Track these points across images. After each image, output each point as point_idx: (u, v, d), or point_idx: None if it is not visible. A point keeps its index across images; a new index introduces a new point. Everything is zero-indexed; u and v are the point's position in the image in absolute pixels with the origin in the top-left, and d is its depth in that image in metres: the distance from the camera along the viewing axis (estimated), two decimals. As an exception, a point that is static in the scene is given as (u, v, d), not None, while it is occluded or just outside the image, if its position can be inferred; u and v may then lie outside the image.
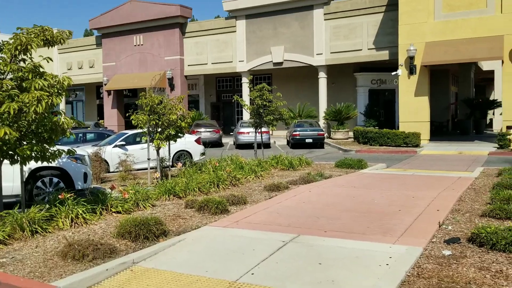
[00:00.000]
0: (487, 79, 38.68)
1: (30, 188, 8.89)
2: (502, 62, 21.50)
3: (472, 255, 5.23)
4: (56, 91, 6.75)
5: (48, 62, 7.25)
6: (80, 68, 36.79)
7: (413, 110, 23.06)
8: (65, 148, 7.88)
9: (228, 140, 28.03)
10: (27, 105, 6.32)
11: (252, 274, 4.81)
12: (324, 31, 27.76)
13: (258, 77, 32.33)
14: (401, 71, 23.38)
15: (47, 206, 7.22)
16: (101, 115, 38.01)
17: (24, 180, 7.90)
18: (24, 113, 6.49)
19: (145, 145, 13.05)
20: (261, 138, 16.85)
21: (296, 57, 28.66)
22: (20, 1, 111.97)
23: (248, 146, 23.07)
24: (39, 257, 5.57)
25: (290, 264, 5.07)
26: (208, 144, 20.35)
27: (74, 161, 9.47)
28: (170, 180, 10.24)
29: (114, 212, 7.87)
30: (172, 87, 31.85)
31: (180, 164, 12.09)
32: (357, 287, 4.40)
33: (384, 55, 25.99)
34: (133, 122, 11.24)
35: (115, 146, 15.03)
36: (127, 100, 36.83)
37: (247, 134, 23.49)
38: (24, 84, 6.59)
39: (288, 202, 8.60)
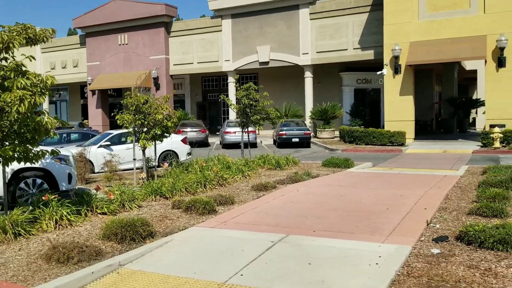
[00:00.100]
0: (470, 78, 39.15)
1: (12, 189, 8.69)
2: (485, 61, 21.76)
3: (461, 253, 5.25)
4: (39, 90, 6.60)
5: (30, 60, 7.09)
6: (63, 68, 36.30)
7: (398, 109, 23.23)
8: (49, 148, 7.73)
9: (214, 140, 27.93)
10: (9, 104, 6.17)
11: (241, 275, 4.75)
12: (310, 30, 27.82)
13: (244, 76, 32.27)
14: (386, 71, 23.54)
15: (31, 208, 7.06)
16: (85, 115, 37.56)
17: (7, 181, 7.72)
18: (6, 112, 6.33)
19: (131, 145, 12.90)
20: (248, 138, 16.79)
21: (282, 57, 28.66)
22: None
23: (234, 145, 23.00)
24: (23, 260, 5.44)
25: (279, 265, 5.02)
26: (195, 144, 20.23)
27: (58, 161, 9.30)
28: (156, 181, 10.13)
29: (99, 213, 7.74)
30: (157, 86, 31.60)
31: (166, 164, 11.98)
32: (347, 287, 4.37)
33: (369, 54, 26.13)
34: (118, 122, 11.09)
35: (100, 146, 14.84)
36: (112, 100, 36.45)
37: (234, 133, 23.42)
38: (6, 83, 6.43)
39: (276, 201, 8.56)
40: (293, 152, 19.45)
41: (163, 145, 14.17)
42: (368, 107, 30.90)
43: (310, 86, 28.62)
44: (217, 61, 30.69)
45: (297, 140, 23.41)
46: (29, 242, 6.16)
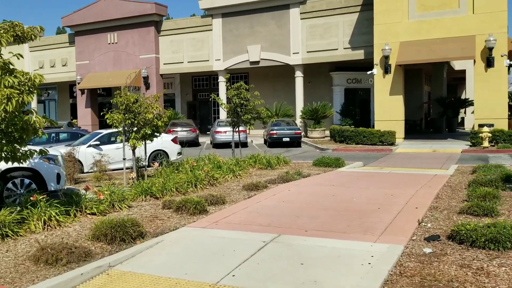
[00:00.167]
0: (459, 78, 39.50)
1: (0, 189, 8.56)
2: (474, 61, 21.93)
3: (453, 252, 5.25)
4: (27, 89, 6.49)
5: (18, 59, 6.97)
6: (52, 67, 35.94)
7: (388, 109, 23.32)
8: (37, 148, 7.62)
9: (204, 140, 27.83)
10: (-4, 103, 6.06)
11: (233, 276, 4.70)
12: (301, 30, 27.84)
13: (235, 76, 32.19)
14: (376, 71, 23.62)
15: (18, 208, 6.94)
16: (74, 114, 37.23)
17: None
18: (-7, 111, 6.21)
19: (120, 145, 12.78)
20: (239, 137, 16.74)
21: (273, 56, 28.65)
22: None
23: (225, 145, 22.93)
24: (10, 262, 5.34)
25: (271, 265, 4.99)
26: (185, 143, 20.15)
27: (47, 161, 9.18)
28: (146, 180, 10.05)
29: (89, 213, 7.65)
30: (147, 86, 31.41)
31: (156, 164, 11.89)
32: (340, 287, 4.34)
33: (359, 54, 26.21)
34: (107, 121, 10.98)
35: (89, 146, 14.70)
36: (101, 99, 36.16)
37: (224, 133, 23.36)
38: (-7, 82, 6.31)
39: (267, 201, 8.52)
40: (284, 151, 19.44)
41: (153, 145, 14.07)
42: (358, 106, 31.00)
43: (301, 86, 28.64)
44: (208, 60, 30.59)
45: (287, 139, 23.40)
46: (17, 243, 6.05)
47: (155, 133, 11.32)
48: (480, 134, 19.99)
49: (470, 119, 34.35)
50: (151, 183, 9.65)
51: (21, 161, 6.89)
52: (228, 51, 29.85)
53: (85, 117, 34.16)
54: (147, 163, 12.57)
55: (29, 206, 6.97)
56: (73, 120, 35.54)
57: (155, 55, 31.63)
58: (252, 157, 14.68)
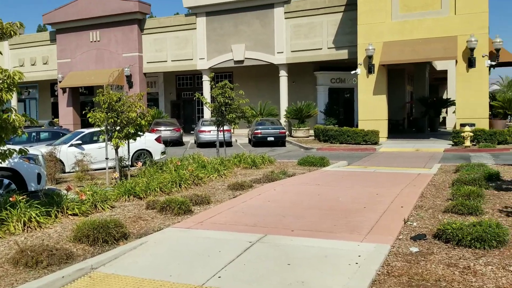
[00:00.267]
0: (441, 78, 39.97)
1: (-22, 190, 8.33)
2: (456, 62, 22.18)
3: (439, 251, 5.25)
4: (6, 86, 6.31)
5: (-3, 55, 6.78)
6: (33, 65, 35.31)
7: (372, 109, 23.45)
8: (17, 147, 7.42)
9: (188, 139, 27.64)
10: (-26, 101, 5.87)
11: (219, 277, 4.62)
12: (285, 29, 27.84)
13: (219, 75, 32.01)
14: (360, 70, 23.73)
15: (-3, 209, 6.75)
16: (55, 113, 36.65)
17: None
18: (-30, 110, 6.02)
19: (103, 144, 12.58)
20: (224, 137, 16.64)
21: (257, 55, 28.59)
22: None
23: (209, 144, 22.80)
24: (-12, 265, 5.17)
25: (258, 266, 4.92)
26: (169, 143, 19.98)
27: (27, 161, 8.97)
28: (129, 180, 9.89)
29: (70, 214, 7.48)
30: (130, 84, 31.07)
31: (140, 164, 11.72)
32: (328, 288, 4.30)
33: (343, 54, 26.31)
34: (90, 120, 10.79)
35: (71, 145, 14.46)
36: (83, 98, 35.66)
37: (209, 132, 23.22)
38: (-30, 79, 6.12)
39: (253, 201, 8.45)
40: (269, 151, 19.40)
41: (136, 144, 13.90)
42: (342, 106, 31.13)
43: (285, 85, 28.64)
44: (192, 59, 30.40)
45: (272, 139, 23.38)
46: (-5, 245, 5.87)
47: (139, 132, 11.16)
48: (462, 134, 20.22)
49: (451, 118, 34.79)
50: (135, 183, 9.51)
51: (0, 160, 6.70)
52: (212, 50, 29.70)
53: (66, 116, 33.64)
54: (130, 163, 12.40)
55: (8, 207, 6.78)
56: (55, 119, 34.99)
57: (138, 53, 31.31)
58: (237, 156, 14.60)
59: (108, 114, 10.54)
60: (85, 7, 31.76)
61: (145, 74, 32.05)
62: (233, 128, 16.02)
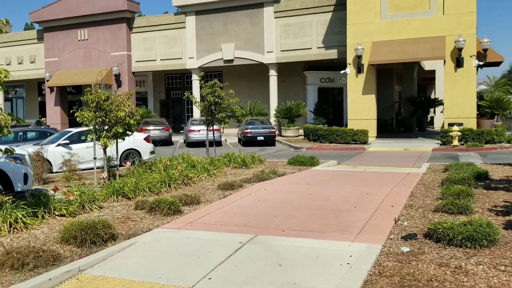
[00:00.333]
0: (429, 78, 40.24)
1: (-38, 191, 8.16)
2: (444, 62, 22.33)
3: (430, 251, 5.24)
4: (-9, 85, 6.18)
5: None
6: (20, 63, 34.85)
7: (361, 108, 23.52)
8: (3, 147, 7.28)
9: (178, 139, 27.49)
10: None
11: (210, 279, 4.56)
12: (275, 29, 27.81)
13: (209, 74, 31.89)
14: (349, 70, 23.78)
15: (-18, 210, 6.61)
16: (43, 113, 36.23)
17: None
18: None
19: (91, 144, 12.43)
20: (213, 136, 16.55)
21: (247, 55, 28.52)
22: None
23: (199, 144, 22.69)
24: (-28, 267, 5.05)
25: (249, 267, 4.86)
26: (158, 142, 19.85)
27: (13, 161, 8.81)
28: (118, 180, 9.78)
29: (57, 215, 7.36)
30: (119, 83, 30.81)
31: (128, 163, 11.60)
32: (319, 289, 4.26)
33: (332, 54, 26.35)
34: (77, 119, 10.64)
35: (59, 145, 14.29)
36: (71, 97, 35.29)
37: (198, 132, 23.12)
38: (-47, 77, 5.98)
39: (243, 201, 8.40)
40: (258, 150, 19.36)
41: (125, 144, 13.76)
42: (332, 105, 31.20)
43: (275, 85, 28.62)
44: (181, 58, 30.24)
45: (262, 138, 23.33)
46: (-20, 247, 5.74)
47: (127, 132, 11.03)
48: (450, 133, 20.36)
49: (439, 118, 35.05)
50: (123, 183, 9.40)
51: (-15, 160, 6.57)
52: (201, 49, 29.57)
53: (54, 115, 33.27)
54: (118, 163, 12.28)
55: (-7, 208, 6.65)
56: (42, 119, 34.60)
57: (127, 52, 31.06)
58: (226, 156, 14.53)
59: (96, 113, 10.41)
60: (73, 5, 31.42)
61: (134, 73, 31.81)
62: (223, 128, 15.93)
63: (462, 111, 21.72)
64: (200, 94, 15.92)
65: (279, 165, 14.33)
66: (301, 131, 26.74)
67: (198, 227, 6.55)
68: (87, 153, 13.71)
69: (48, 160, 13.32)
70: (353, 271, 4.58)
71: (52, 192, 8.06)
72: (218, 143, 22.18)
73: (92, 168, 11.68)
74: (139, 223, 6.98)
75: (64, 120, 33.21)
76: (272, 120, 27.97)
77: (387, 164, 14.64)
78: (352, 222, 6.57)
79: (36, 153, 12.08)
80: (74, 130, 15.27)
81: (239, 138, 25.43)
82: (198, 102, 15.73)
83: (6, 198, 6.79)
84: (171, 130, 26.09)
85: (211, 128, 15.70)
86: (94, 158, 11.11)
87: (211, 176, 11.84)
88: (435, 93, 38.15)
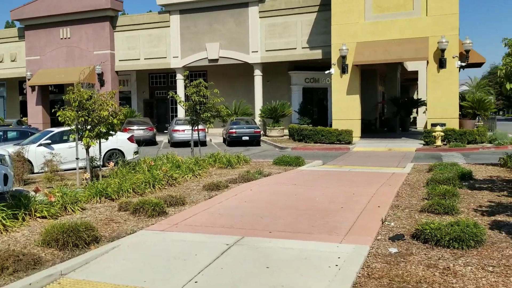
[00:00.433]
0: (411, 79, 40.64)
1: None
2: (427, 62, 22.53)
3: (418, 252, 5.22)
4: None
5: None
6: (0, 62, 34.19)
7: (345, 108, 23.60)
8: (-19, 147, 7.07)
9: (162, 138, 27.25)
10: None
11: (196, 282, 4.46)
12: (260, 29, 27.75)
13: (193, 73, 31.71)
14: (334, 70, 23.84)
15: (-41, 213, 6.41)
16: (24, 112, 35.61)
17: None
18: None
19: (73, 144, 12.21)
20: (198, 136, 16.42)
21: (232, 54, 28.40)
22: None
23: (183, 144, 22.52)
24: (-51, 272, 4.86)
25: (236, 269, 4.78)
26: (142, 142, 19.63)
27: (-8, 161, 8.58)
28: (101, 181, 9.60)
29: (39, 217, 7.18)
30: (102, 82, 30.42)
31: (112, 164, 11.42)
32: (308, 291, 4.19)
33: (317, 54, 26.40)
34: (60, 118, 10.42)
35: (40, 145, 14.01)
36: (53, 97, 34.75)
37: (183, 132, 22.94)
38: None
39: (229, 201, 8.31)
40: (244, 150, 19.27)
41: (108, 144, 13.56)
42: (316, 106, 31.27)
43: (260, 85, 28.56)
44: (165, 57, 29.99)
45: (247, 138, 23.25)
46: (-43, 251, 5.55)
47: (110, 132, 10.86)
48: (433, 133, 20.55)
49: (422, 118, 35.39)
50: (106, 183, 9.23)
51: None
52: (186, 48, 29.36)
53: (35, 115, 32.71)
54: (101, 163, 12.08)
55: (-29, 210, 6.45)
56: (23, 118, 33.99)
57: (110, 51, 30.68)
58: (211, 156, 14.42)
59: (79, 112, 10.21)
60: (55, 3, 30.93)
61: (117, 72, 31.44)
62: (208, 128, 15.81)
63: (444, 112, 21.94)
64: (185, 93, 15.78)
65: (264, 165, 14.27)
66: (286, 131, 26.74)
67: (183, 228, 6.44)
68: (69, 153, 13.47)
69: (29, 161, 13.05)
70: (342, 273, 4.53)
71: (33, 193, 7.86)
72: (203, 143, 22.04)
73: (75, 169, 11.47)
74: (123, 225, 6.85)
75: (46, 119, 32.68)
76: (257, 120, 27.92)
77: (372, 164, 14.68)
78: (339, 223, 6.54)
79: (16, 153, 11.81)
80: (56, 129, 15.00)
81: (224, 138, 25.31)
82: (183, 102, 15.59)
83: (-16, 200, 6.59)
84: (155, 130, 25.86)
85: (196, 128, 15.57)
86: (77, 159, 10.90)
87: (196, 176, 11.72)
88: (417, 93, 38.52)
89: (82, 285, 4.48)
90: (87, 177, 10.41)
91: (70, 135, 12.12)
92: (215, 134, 28.66)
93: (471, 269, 4.62)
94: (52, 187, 9.48)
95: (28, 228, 6.66)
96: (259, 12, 27.67)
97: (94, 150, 11.29)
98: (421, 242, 5.52)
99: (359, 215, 7.03)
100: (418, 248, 5.33)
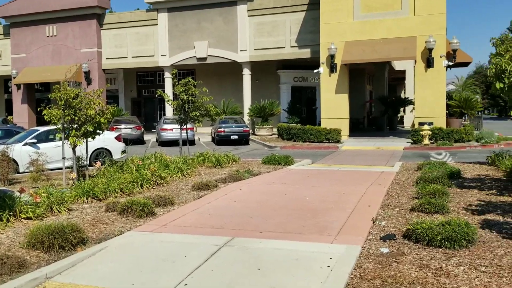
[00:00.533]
0: (399, 78, 40.87)
1: None
2: (415, 62, 22.64)
3: (410, 252, 5.18)
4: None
5: None
6: (-16, 60, 33.66)
7: (334, 107, 23.62)
8: (-37, 147, 6.89)
9: (150, 137, 27.03)
10: None
11: (185, 285, 4.37)
12: (248, 27, 27.65)
13: (181, 72, 31.49)
14: (323, 69, 23.83)
15: None
16: (9, 111, 35.07)
17: None
18: None
19: (60, 143, 12.02)
20: (187, 135, 16.29)
21: (220, 53, 28.27)
22: None
23: (171, 143, 22.36)
24: None
25: (226, 271, 4.69)
26: (129, 141, 19.44)
27: (-25, 161, 8.38)
28: (88, 181, 9.45)
29: (24, 218, 7.02)
30: (89, 81, 30.07)
31: (99, 163, 11.26)
32: (300, 293, 4.13)
33: (306, 53, 26.38)
34: (45, 117, 10.23)
35: (26, 144, 13.78)
36: (39, 95, 34.28)
37: (171, 130, 22.78)
38: None
39: (218, 201, 8.21)
40: (232, 149, 19.17)
41: (95, 143, 13.39)
42: (305, 104, 31.29)
43: (249, 83, 28.47)
44: (153, 55, 29.74)
45: (236, 137, 23.17)
46: None
47: (97, 130, 10.71)
48: (421, 132, 20.66)
49: (409, 117, 35.62)
50: (93, 183, 9.08)
51: None
52: (174, 46, 29.15)
53: (21, 113, 32.24)
54: (88, 162, 11.90)
55: (-47, 212, 6.28)
56: (8, 117, 33.45)
57: (97, 49, 30.34)
58: (200, 155, 14.31)
59: (65, 111, 10.03)
60: (41, 0, 30.49)
61: (104, 70, 31.11)
62: (196, 126, 15.68)
63: (432, 111, 22.06)
64: (173, 92, 15.62)
65: (254, 164, 14.19)
66: (275, 130, 26.70)
67: (172, 229, 6.33)
68: (55, 153, 13.27)
69: (14, 160, 12.81)
70: (334, 274, 4.47)
71: (18, 193, 7.69)
72: (192, 142, 21.90)
73: (61, 168, 11.28)
74: (110, 226, 6.72)
75: (32, 118, 32.23)
76: (246, 119, 27.83)
77: (360, 163, 14.69)
78: (330, 223, 6.49)
79: (1, 153, 11.59)
80: (42, 128, 14.77)
81: (212, 137, 25.19)
82: (171, 100, 15.44)
83: (-33, 201, 6.42)
84: (143, 129, 25.65)
85: (185, 126, 15.44)
86: (63, 158, 10.72)
87: (185, 176, 11.60)
88: (405, 92, 38.73)
89: (69, 289, 4.36)
90: (73, 177, 10.24)
91: (56, 134, 11.93)
92: (203, 133, 28.53)
93: (464, 269, 4.60)
94: (37, 187, 9.30)
95: (13, 229, 6.50)
96: (248, 10, 27.57)
97: (81, 150, 11.12)
98: (412, 242, 5.49)
99: (349, 214, 6.99)
100: (410, 248, 5.30)
